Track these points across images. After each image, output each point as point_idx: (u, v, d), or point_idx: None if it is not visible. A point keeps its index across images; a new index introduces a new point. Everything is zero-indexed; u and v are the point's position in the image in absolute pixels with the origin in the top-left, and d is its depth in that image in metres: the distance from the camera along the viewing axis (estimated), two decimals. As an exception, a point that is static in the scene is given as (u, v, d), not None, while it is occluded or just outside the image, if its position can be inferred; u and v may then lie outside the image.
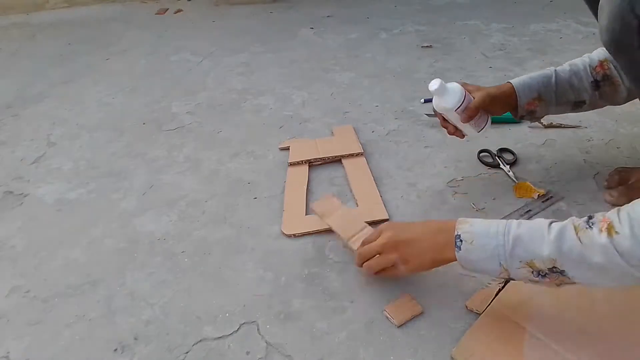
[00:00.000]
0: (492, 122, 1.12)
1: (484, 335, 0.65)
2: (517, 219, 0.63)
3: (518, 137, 1.09)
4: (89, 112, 1.36)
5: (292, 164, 1.05)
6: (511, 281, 0.72)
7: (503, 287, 0.71)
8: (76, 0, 2.26)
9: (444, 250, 0.65)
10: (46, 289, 0.80)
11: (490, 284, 0.72)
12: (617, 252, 0.53)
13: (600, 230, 0.54)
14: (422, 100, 1.27)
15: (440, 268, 0.75)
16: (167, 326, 0.72)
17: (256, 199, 0.97)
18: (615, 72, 0.86)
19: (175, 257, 0.84)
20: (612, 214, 0.55)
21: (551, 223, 0.59)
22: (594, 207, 0.87)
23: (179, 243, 0.87)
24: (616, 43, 0.58)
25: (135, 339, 0.70)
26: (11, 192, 1.05)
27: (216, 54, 1.68)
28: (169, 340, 0.70)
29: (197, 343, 0.69)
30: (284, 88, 1.41)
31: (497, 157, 1.01)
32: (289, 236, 0.86)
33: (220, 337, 0.69)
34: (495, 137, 1.10)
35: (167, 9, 2.18)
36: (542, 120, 1.12)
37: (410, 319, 0.69)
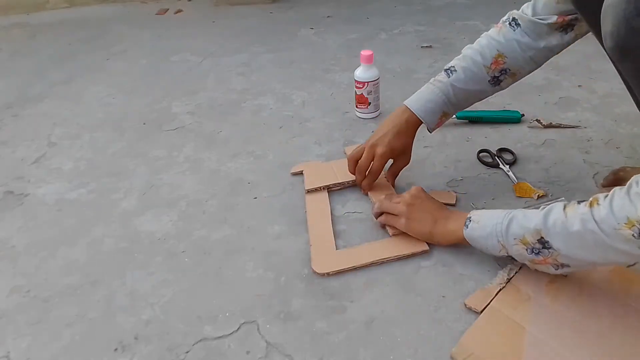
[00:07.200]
0: (492, 122, 1.14)
1: (483, 335, 0.66)
2: None
3: (517, 137, 1.09)
4: (89, 112, 1.36)
5: (309, 191, 0.95)
6: (511, 281, 0.72)
7: (503, 287, 0.72)
8: (76, 0, 2.26)
9: (454, 228, 0.74)
10: (46, 289, 0.80)
11: (490, 284, 0.73)
12: (594, 219, 0.58)
13: (586, 205, 0.60)
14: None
15: (440, 268, 0.77)
16: (167, 326, 0.72)
17: (256, 199, 0.97)
18: (512, 62, 0.85)
19: (176, 257, 0.84)
20: (601, 193, 0.60)
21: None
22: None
23: (179, 243, 0.87)
24: (620, 48, 0.57)
25: (136, 338, 0.70)
26: (11, 192, 1.05)
27: (216, 54, 1.68)
28: (169, 339, 0.70)
29: (197, 343, 0.69)
30: (284, 88, 1.41)
31: (496, 157, 1.01)
32: (322, 275, 0.78)
33: (221, 337, 0.70)
34: (494, 137, 1.10)
35: (168, 9, 2.18)
36: (541, 121, 1.12)
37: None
